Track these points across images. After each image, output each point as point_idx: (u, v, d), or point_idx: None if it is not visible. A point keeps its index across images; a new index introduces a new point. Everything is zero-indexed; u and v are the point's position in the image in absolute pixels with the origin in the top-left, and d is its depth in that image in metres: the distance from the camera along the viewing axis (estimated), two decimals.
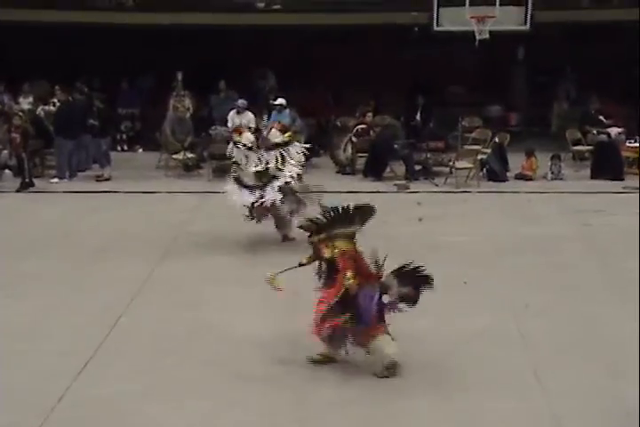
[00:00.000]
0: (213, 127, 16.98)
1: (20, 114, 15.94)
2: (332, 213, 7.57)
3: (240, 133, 11.58)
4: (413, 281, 7.48)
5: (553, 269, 10.33)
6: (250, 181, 11.16)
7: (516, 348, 8.09)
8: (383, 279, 7.45)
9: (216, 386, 7.33)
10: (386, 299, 7.47)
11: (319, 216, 7.65)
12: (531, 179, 15.53)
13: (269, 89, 18.57)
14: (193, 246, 11.34)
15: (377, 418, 6.82)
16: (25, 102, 17.62)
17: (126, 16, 17.58)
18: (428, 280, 7.47)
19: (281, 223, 11.42)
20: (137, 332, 8.49)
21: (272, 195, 11.03)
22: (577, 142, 17.01)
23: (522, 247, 11.22)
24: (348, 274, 7.39)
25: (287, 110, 16.67)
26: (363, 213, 7.65)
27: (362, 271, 7.49)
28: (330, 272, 7.58)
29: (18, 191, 14.79)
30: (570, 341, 8.21)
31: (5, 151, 15.73)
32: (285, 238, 11.39)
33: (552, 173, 15.61)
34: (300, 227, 7.92)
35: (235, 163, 11.37)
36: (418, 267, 7.47)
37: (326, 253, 7.53)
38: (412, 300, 7.50)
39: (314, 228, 7.66)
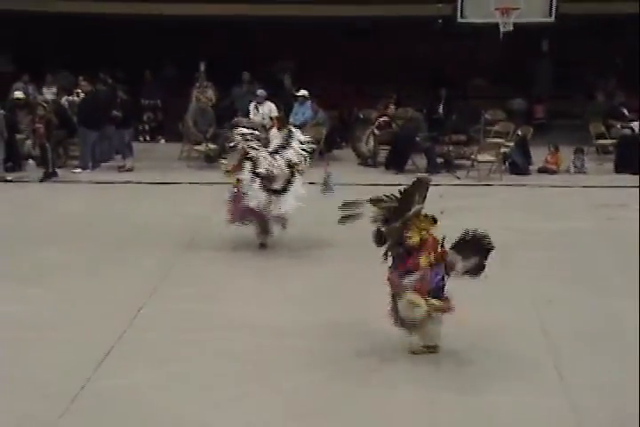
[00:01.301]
0: (236, 118, 16.99)
1: (44, 104, 16.04)
2: (397, 198, 7.53)
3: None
4: (475, 250, 7.59)
5: (575, 263, 10.28)
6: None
7: (537, 342, 8.06)
8: (448, 257, 7.55)
9: (235, 378, 7.35)
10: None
11: (386, 203, 7.59)
12: (554, 172, 15.46)
13: (292, 81, 18.55)
14: (214, 238, 11.33)
15: (394, 410, 6.83)
16: (49, 93, 17.72)
17: (150, 6, 17.58)
18: (487, 244, 7.57)
19: (265, 229, 10.89)
20: (158, 323, 8.51)
21: (290, 204, 10.58)
22: (600, 136, 16.91)
23: (544, 241, 11.17)
24: (423, 258, 7.45)
25: (309, 102, 16.71)
26: (420, 189, 7.58)
27: (435, 250, 7.55)
28: (402, 254, 7.54)
29: (41, 181, 14.90)
30: (591, 335, 8.16)
31: (29, 141, 15.86)
32: (263, 246, 10.92)
33: (575, 166, 15.55)
34: (374, 219, 7.80)
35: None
36: (475, 235, 7.57)
37: (414, 236, 7.49)
38: (478, 270, 7.63)
39: (386, 216, 7.60)
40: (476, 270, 7.65)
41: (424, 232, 7.50)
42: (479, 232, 7.60)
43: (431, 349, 7.75)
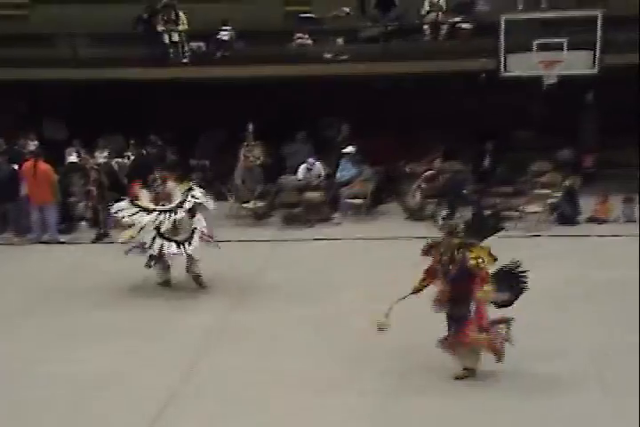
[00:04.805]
0: (283, 176, 17.20)
1: (97, 167, 16.37)
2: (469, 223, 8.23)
3: (136, 197, 11.97)
4: (510, 285, 8.15)
5: (627, 313, 10.18)
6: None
7: (594, 392, 8.01)
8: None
9: None
10: None
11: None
12: (603, 222, 15.36)
13: (341, 138, 18.72)
14: (265, 295, 11.46)
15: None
16: (101, 156, 18.01)
17: (196, 70, 18.02)
18: (523, 283, 8.11)
19: (192, 266, 11.96)
20: (211, 379, 8.61)
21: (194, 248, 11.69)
22: None
23: (594, 291, 11.10)
24: (486, 287, 7.94)
25: (355, 159, 16.91)
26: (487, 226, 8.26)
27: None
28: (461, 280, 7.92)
29: (93, 242, 15.14)
30: None
31: (81, 204, 16.17)
32: (198, 280, 11.92)
33: (625, 215, 15.42)
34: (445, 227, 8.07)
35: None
36: (514, 269, 8.16)
37: (472, 262, 8.01)
38: (508, 304, 8.18)
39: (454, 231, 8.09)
40: (507, 304, 8.13)
41: (480, 260, 7.92)
42: (517, 269, 7.84)
43: (470, 372, 7.98)
